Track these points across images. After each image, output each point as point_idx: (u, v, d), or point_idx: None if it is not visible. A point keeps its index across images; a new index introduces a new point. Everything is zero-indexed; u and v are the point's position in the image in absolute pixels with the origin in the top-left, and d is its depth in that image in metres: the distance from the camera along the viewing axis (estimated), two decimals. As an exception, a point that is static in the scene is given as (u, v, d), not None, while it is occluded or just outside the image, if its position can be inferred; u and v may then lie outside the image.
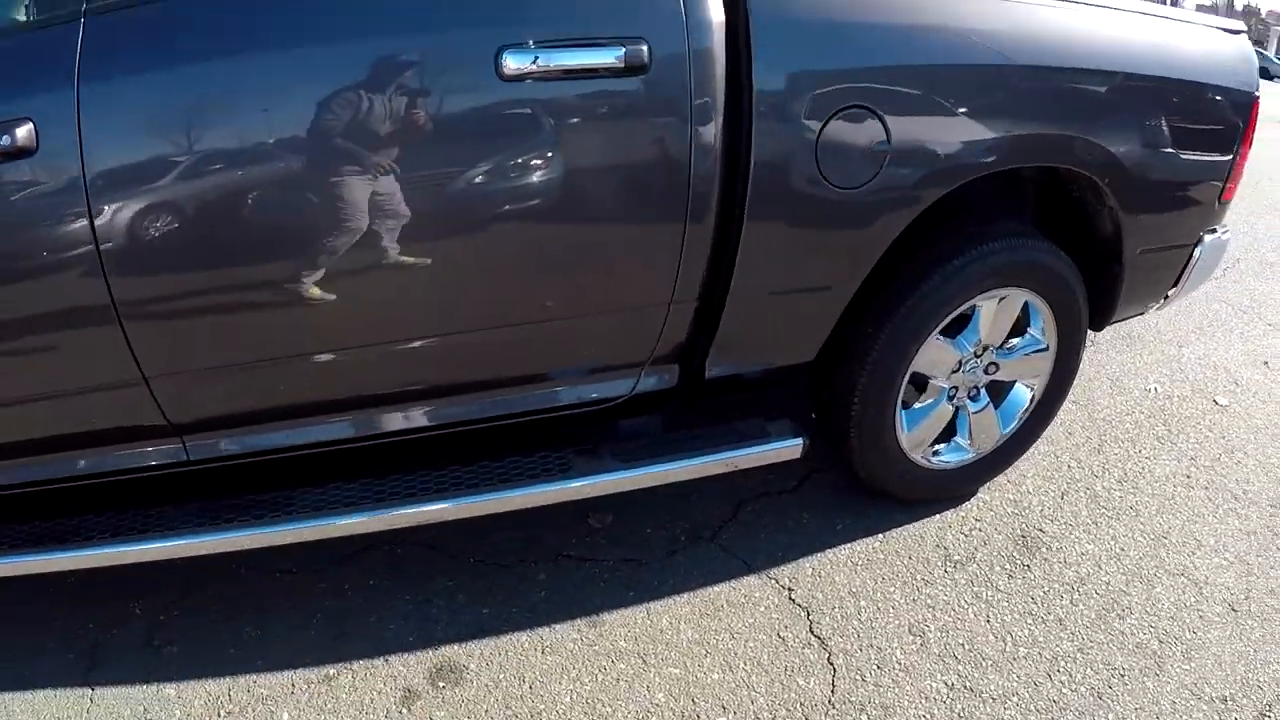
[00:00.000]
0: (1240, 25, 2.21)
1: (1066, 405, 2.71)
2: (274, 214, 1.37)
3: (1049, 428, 2.57)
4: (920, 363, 1.89)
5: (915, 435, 1.99)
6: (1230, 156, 2.07)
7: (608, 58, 1.38)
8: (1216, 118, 2.02)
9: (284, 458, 1.62)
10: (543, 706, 1.59)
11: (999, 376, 2.06)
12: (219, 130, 1.32)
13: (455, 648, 1.71)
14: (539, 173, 1.43)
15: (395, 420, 1.64)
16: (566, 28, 1.38)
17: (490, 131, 1.40)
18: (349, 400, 1.59)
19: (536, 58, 1.35)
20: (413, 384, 1.61)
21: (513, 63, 1.35)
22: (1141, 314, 2.45)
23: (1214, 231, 2.19)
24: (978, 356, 1.99)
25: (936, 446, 2.07)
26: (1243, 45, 2.13)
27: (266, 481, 1.65)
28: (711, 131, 1.46)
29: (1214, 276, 4.33)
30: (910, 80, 1.56)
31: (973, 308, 1.91)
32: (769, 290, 1.66)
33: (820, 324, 1.75)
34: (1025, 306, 1.99)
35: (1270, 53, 37.05)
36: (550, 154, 1.43)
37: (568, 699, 1.61)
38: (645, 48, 1.39)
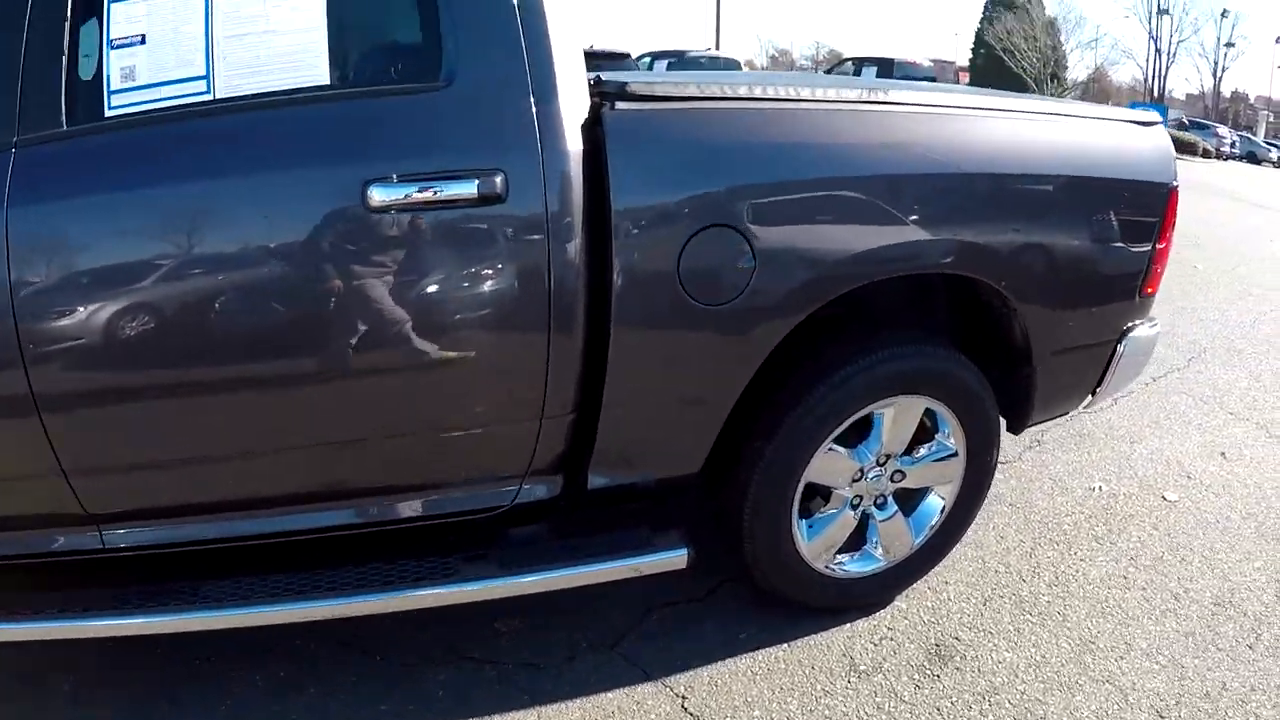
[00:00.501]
0: (1155, 117, 2.23)
1: (1000, 508, 2.69)
2: (176, 329, 1.45)
3: (981, 531, 2.54)
4: (815, 473, 1.88)
5: (817, 544, 1.96)
6: (1147, 249, 2.07)
7: (465, 189, 1.45)
8: (1128, 212, 2.03)
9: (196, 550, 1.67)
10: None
11: (907, 484, 2.04)
12: (125, 251, 1.43)
13: (350, 743, 1.70)
14: (405, 297, 1.50)
15: (288, 520, 1.68)
16: (428, 162, 1.46)
17: (361, 259, 1.48)
18: (249, 500, 1.64)
19: (399, 191, 1.44)
20: (298, 488, 1.65)
21: (378, 195, 1.43)
22: (1067, 414, 2.43)
23: (1139, 326, 2.19)
24: (881, 465, 1.97)
25: (841, 556, 2.04)
26: (1157, 137, 2.15)
27: (177, 569, 1.69)
28: (572, 253, 1.51)
29: (1176, 368, 4.38)
30: (775, 197, 1.62)
31: (871, 416, 1.91)
32: (643, 404, 1.67)
33: (700, 436, 1.75)
34: (932, 413, 1.98)
35: (1258, 137, 37.54)
36: (415, 279, 1.50)
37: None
38: (501, 178, 1.46)
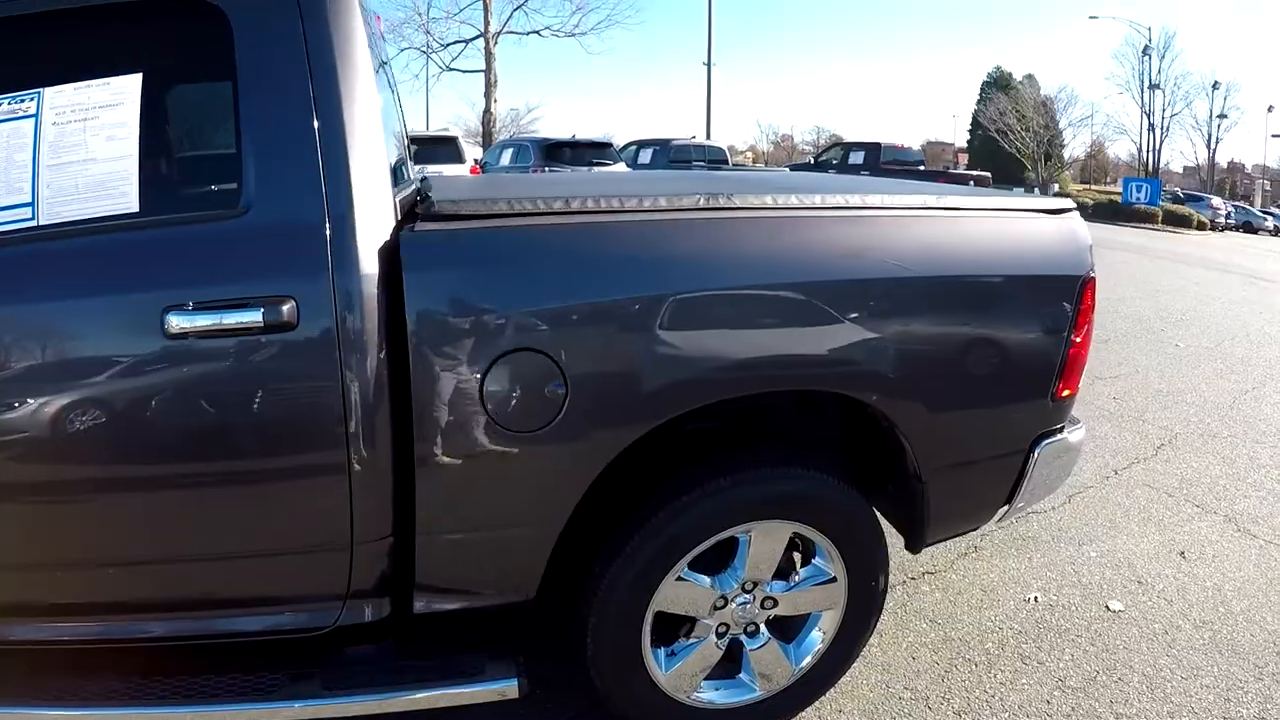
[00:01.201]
0: (1068, 204, 2.09)
1: (919, 624, 2.48)
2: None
3: (892, 650, 2.34)
4: (667, 601, 1.72)
5: (677, 674, 1.79)
6: (1058, 348, 1.91)
7: (252, 317, 1.39)
8: (1032, 309, 1.88)
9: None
10: None
11: (781, 611, 1.86)
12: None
13: None
14: (203, 424, 1.45)
15: (118, 629, 1.61)
16: (224, 289, 1.42)
17: (159, 384, 1.44)
18: (74, 606, 1.59)
19: (194, 319, 1.40)
20: (117, 598, 1.60)
21: (175, 322, 1.39)
22: (977, 529, 2.26)
23: (1057, 432, 2.03)
24: (748, 591, 1.81)
25: (709, 687, 1.85)
26: (1067, 225, 1.99)
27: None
28: (368, 378, 1.43)
29: (1142, 458, 4.15)
30: (590, 318, 1.51)
31: (735, 540, 1.76)
32: (461, 529, 1.55)
33: (530, 563, 1.61)
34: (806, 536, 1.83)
35: (1254, 206, 37.69)
36: (213, 404, 1.45)
37: None
38: (290, 305, 1.40)
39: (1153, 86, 43.06)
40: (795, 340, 1.65)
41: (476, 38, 26.83)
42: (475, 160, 13.83)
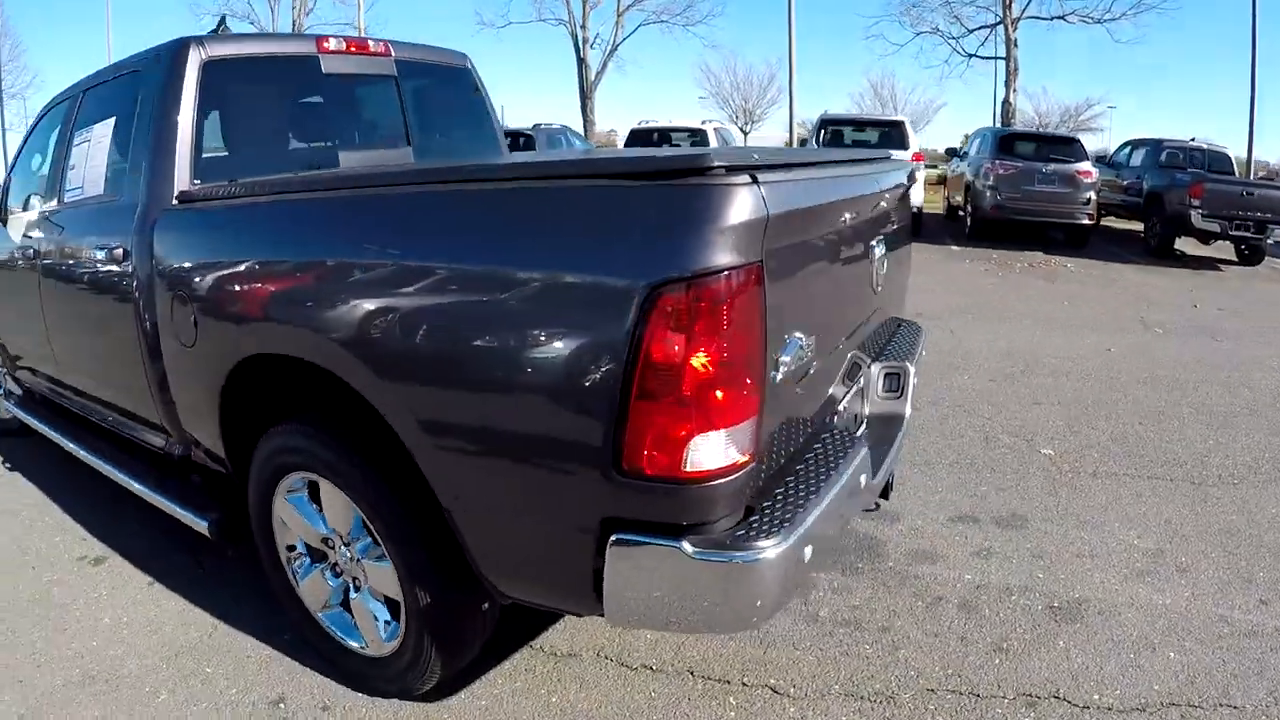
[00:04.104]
0: (695, 163, 1.26)
1: None
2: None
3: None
4: (281, 512, 2.01)
5: (308, 589, 2.05)
6: (608, 399, 1.27)
7: (103, 255, 2.33)
8: (560, 336, 1.34)
9: None
10: None
11: (371, 581, 1.88)
12: None
13: None
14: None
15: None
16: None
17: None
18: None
19: None
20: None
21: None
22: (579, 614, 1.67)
23: (656, 532, 1.32)
24: (346, 545, 1.90)
25: (334, 616, 2.05)
26: (706, 200, 1.23)
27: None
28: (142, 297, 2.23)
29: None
30: (205, 275, 1.99)
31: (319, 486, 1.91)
32: (179, 401, 2.23)
33: (210, 429, 2.14)
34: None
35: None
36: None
37: None
38: (121, 249, 2.26)
39: None
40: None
41: (998, 24, 22.43)
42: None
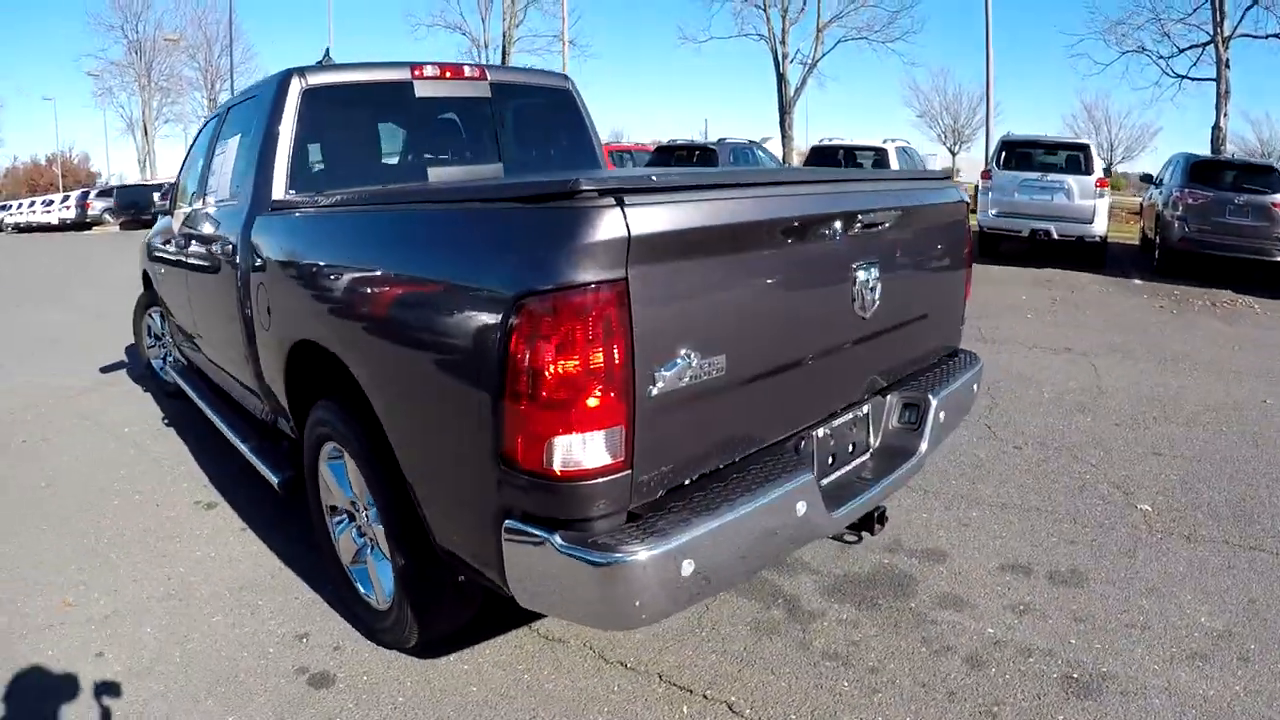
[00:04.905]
0: (564, 187, 1.35)
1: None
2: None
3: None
4: (324, 477, 2.28)
5: (343, 544, 2.31)
6: (490, 394, 1.42)
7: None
8: (456, 336, 1.52)
9: None
10: None
11: (380, 544, 2.10)
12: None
13: None
14: None
15: None
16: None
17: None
18: None
19: None
20: None
21: None
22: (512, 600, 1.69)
23: (545, 526, 1.41)
24: (365, 510, 2.13)
25: (359, 571, 2.29)
26: (569, 220, 1.34)
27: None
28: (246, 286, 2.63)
29: None
30: (280, 270, 2.30)
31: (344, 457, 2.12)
32: (261, 376, 2.62)
33: (278, 396, 2.52)
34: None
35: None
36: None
37: None
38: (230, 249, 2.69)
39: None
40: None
41: (1209, 43, 18.90)
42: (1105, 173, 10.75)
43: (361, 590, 2.26)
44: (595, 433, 1.34)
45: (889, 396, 2.05)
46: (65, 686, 2.10)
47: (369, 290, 1.82)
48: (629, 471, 1.40)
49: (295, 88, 2.57)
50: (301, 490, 2.54)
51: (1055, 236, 9.49)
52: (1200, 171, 9.14)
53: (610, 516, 1.41)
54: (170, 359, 4.36)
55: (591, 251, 1.28)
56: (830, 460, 1.91)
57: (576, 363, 1.30)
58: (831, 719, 1.91)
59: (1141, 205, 12.56)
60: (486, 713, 1.97)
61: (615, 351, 1.32)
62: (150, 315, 4.75)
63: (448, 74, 2.98)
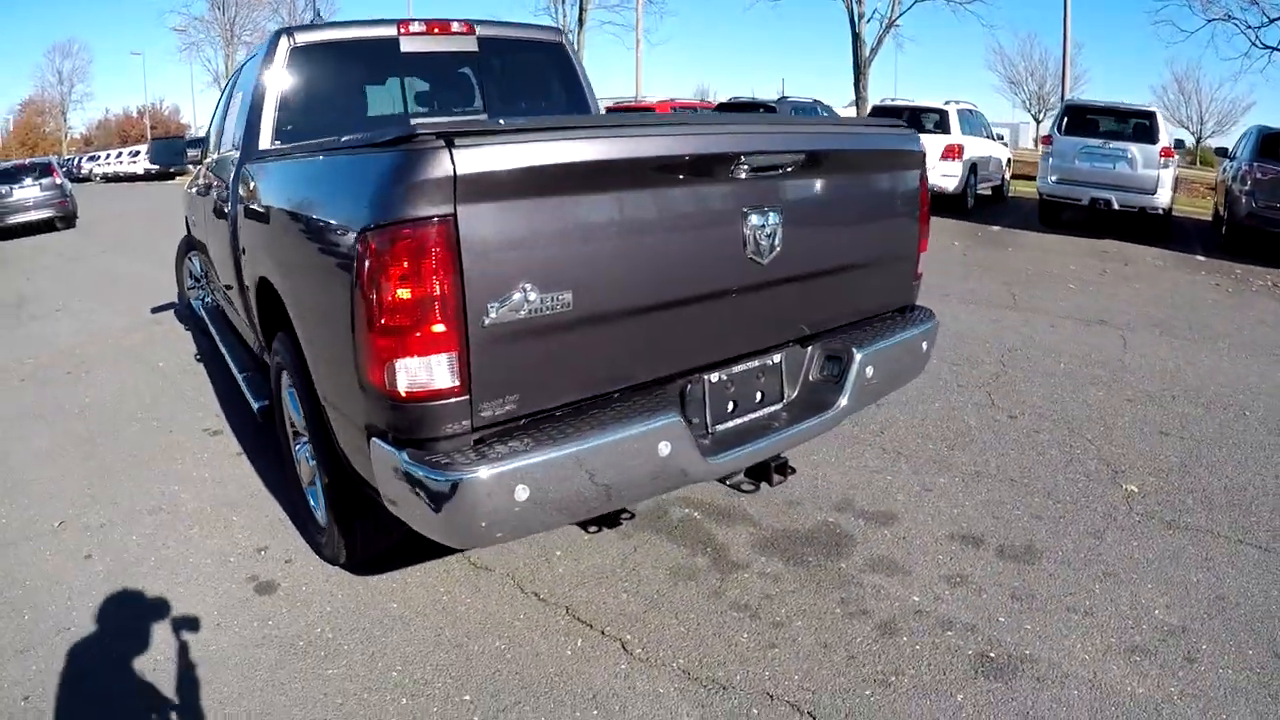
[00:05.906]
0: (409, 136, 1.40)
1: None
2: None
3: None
4: (287, 401, 2.35)
5: (304, 462, 2.34)
6: (348, 318, 1.49)
7: None
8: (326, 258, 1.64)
9: None
10: None
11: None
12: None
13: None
14: None
15: None
16: None
17: None
18: None
19: None
20: None
21: None
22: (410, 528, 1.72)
23: (397, 445, 1.48)
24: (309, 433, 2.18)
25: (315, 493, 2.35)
26: (401, 162, 1.39)
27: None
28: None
29: None
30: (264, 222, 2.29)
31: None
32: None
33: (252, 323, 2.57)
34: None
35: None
36: None
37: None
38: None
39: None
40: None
41: None
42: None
43: (314, 509, 2.33)
44: (430, 357, 1.39)
45: (810, 348, 1.92)
46: (52, 587, 2.29)
47: (288, 233, 1.93)
48: (467, 397, 1.43)
49: (283, 46, 2.64)
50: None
51: (1116, 206, 8.78)
52: (1271, 145, 8.21)
53: (454, 439, 1.45)
54: (207, 300, 4.52)
55: (422, 189, 1.33)
56: (732, 407, 1.82)
57: (408, 292, 1.35)
58: (720, 666, 1.88)
59: (1216, 180, 11.58)
60: (399, 626, 2.02)
61: (445, 282, 1.36)
62: (190, 259, 4.92)
63: (435, 30, 2.94)
